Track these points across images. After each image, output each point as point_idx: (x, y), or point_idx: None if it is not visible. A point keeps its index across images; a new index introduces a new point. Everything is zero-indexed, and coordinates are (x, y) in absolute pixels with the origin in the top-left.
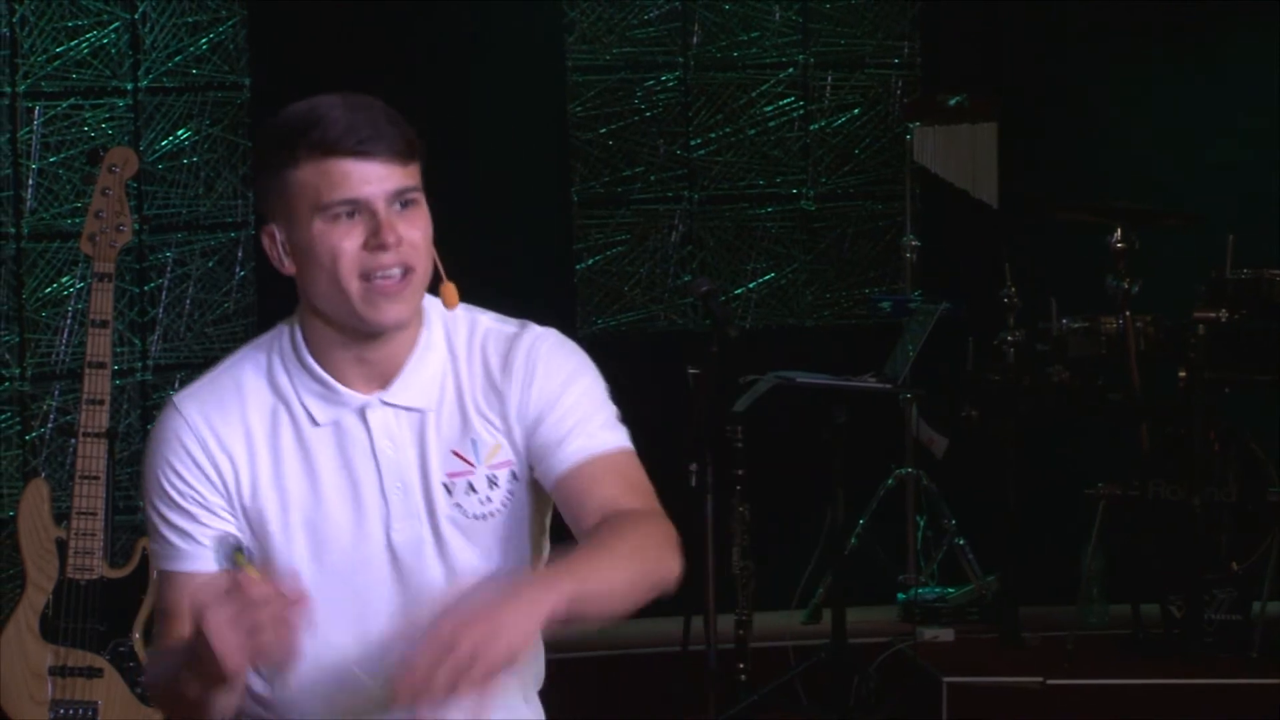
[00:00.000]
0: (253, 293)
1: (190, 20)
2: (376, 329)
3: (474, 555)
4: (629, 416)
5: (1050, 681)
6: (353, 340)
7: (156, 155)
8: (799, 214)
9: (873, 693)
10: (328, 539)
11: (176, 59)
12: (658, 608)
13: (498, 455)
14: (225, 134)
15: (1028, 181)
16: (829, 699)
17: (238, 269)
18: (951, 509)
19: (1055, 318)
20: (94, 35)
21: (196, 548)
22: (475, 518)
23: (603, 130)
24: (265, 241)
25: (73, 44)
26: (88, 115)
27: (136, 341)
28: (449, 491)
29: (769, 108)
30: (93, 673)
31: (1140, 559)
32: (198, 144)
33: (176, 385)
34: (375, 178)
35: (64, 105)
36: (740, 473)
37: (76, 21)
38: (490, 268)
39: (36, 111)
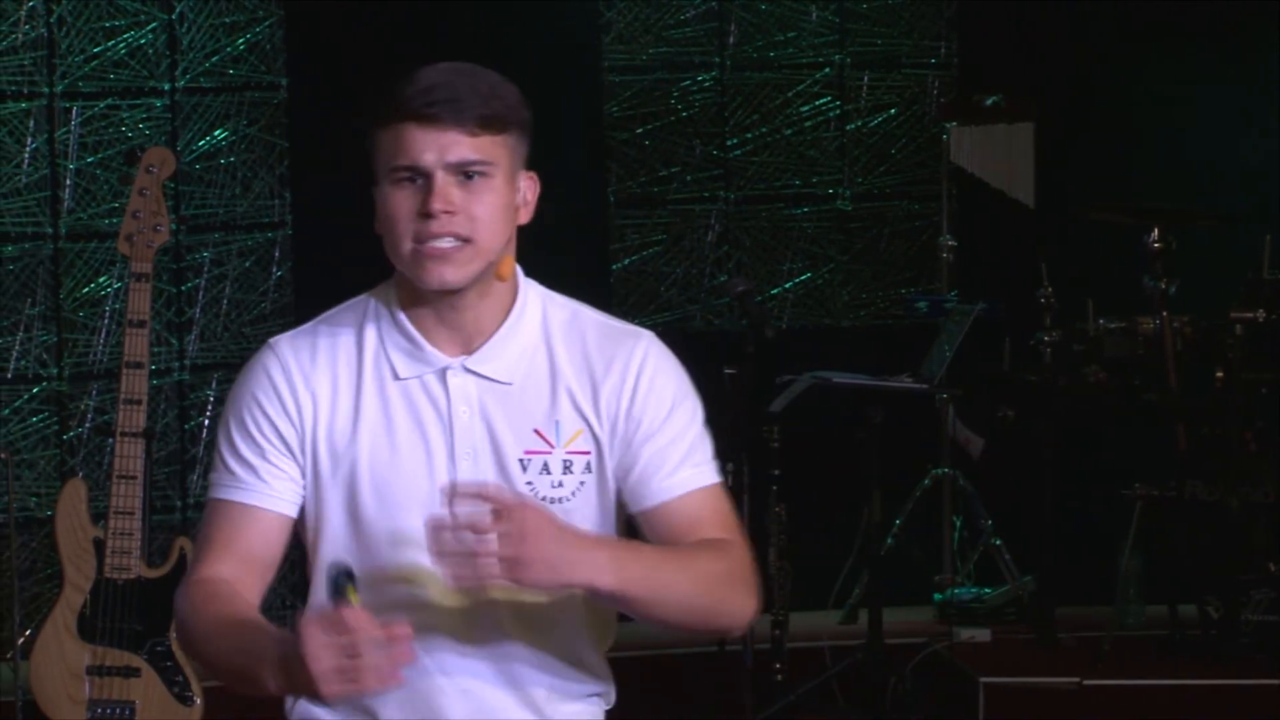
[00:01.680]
0: (290, 293)
1: (227, 20)
2: (428, 289)
3: None
4: None
5: (1087, 682)
6: (431, 301)
7: (194, 155)
8: (835, 214)
9: (909, 693)
10: (394, 493)
11: (214, 59)
12: None
13: (577, 441)
14: (262, 134)
15: (1064, 181)
16: (865, 699)
17: (275, 269)
18: (988, 509)
19: (1092, 318)
20: (131, 36)
21: (258, 482)
22: (545, 500)
23: (639, 130)
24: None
25: (110, 44)
26: (125, 115)
27: (174, 341)
28: (523, 468)
29: (805, 108)
30: (130, 672)
31: (1177, 560)
32: (235, 144)
33: (214, 386)
34: (437, 145)
35: (101, 105)
36: (776, 473)
37: (114, 22)
38: (526, 268)
39: (74, 112)
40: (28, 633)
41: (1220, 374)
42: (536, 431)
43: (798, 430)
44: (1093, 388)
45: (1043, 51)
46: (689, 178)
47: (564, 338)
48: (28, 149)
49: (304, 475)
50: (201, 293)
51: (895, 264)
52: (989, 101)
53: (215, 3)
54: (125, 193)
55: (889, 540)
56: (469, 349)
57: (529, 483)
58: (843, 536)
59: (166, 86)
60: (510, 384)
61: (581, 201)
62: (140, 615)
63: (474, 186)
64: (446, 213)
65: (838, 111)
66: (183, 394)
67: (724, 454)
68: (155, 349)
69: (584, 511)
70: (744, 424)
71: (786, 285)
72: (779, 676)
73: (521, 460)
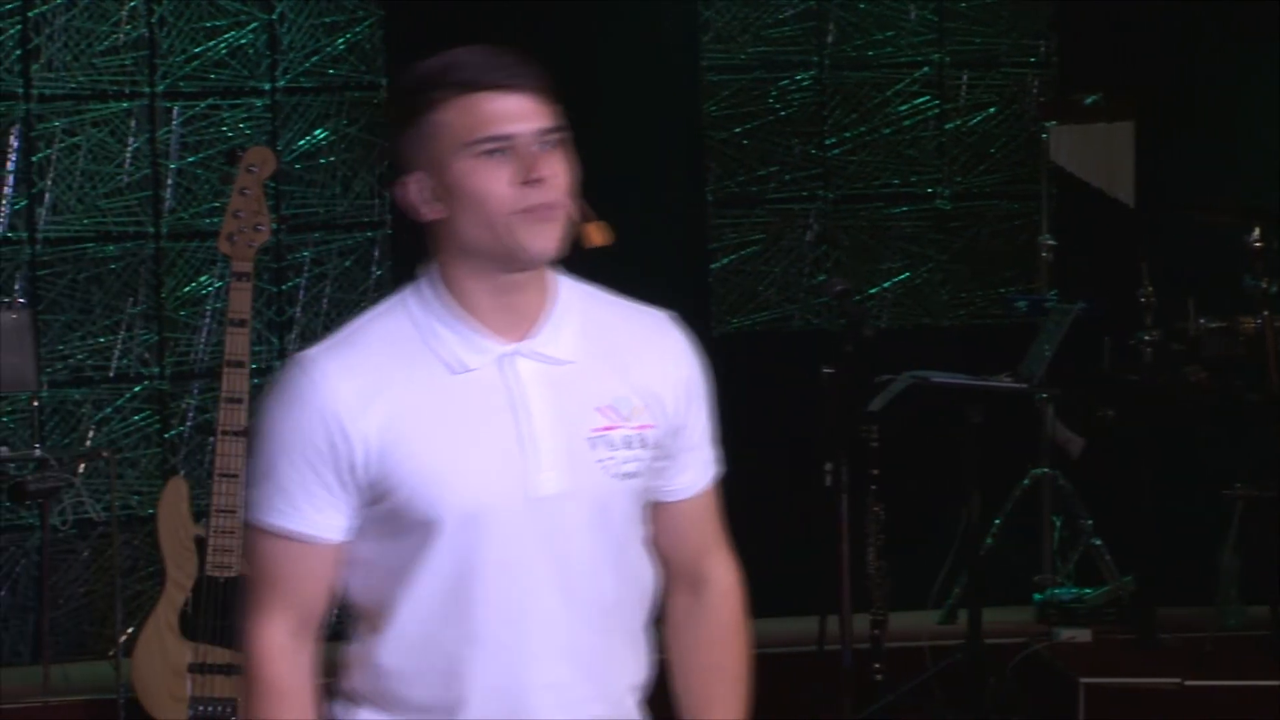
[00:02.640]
0: (389, 292)
1: (327, 20)
2: (530, 260)
3: (612, 520)
4: (764, 416)
5: (1188, 683)
6: (497, 283)
7: (294, 155)
8: (934, 213)
9: (1008, 693)
10: (465, 490)
11: (314, 59)
12: (793, 607)
13: (641, 417)
14: (362, 134)
15: (1164, 180)
16: (965, 699)
17: (374, 268)
18: (1087, 509)
19: (1192, 317)
20: (232, 36)
21: (312, 511)
22: (618, 476)
23: (737, 130)
24: (401, 193)
25: (211, 44)
26: (226, 115)
27: (274, 340)
28: (593, 446)
29: (904, 107)
30: (232, 670)
31: (1278, 560)
32: (335, 144)
33: None
34: (523, 114)
35: (202, 105)
36: (875, 472)
37: (214, 22)
38: (625, 267)
39: (175, 112)
40: (130, 630)
41: None
42: (601, 409)
43: (897, 430)
44: (1193, 387)
45: (1143, 50)
46: (787, 177)
47: (605, 318)
48: (129, 149)
49: (360, 494)
50: (302, 292)
51: (994, 263)
52: (1089, 100)
53: (315, 3)
54: (226, 192)
55: (988, 540)
56: (524, 333)
57: (600, 460)
58: (942, 536)
59: (267, 86)
60: (572, 363)
61: (680, 201)
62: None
63: (554, 155)
64: (549, 177)
65: (937, 111)
66: None
67: (823, 453)
68: (256, 348)
69: (646, 488)
70: (843, 424)
71: (885, 285)
72: (878, 676)
73: (592, 439)
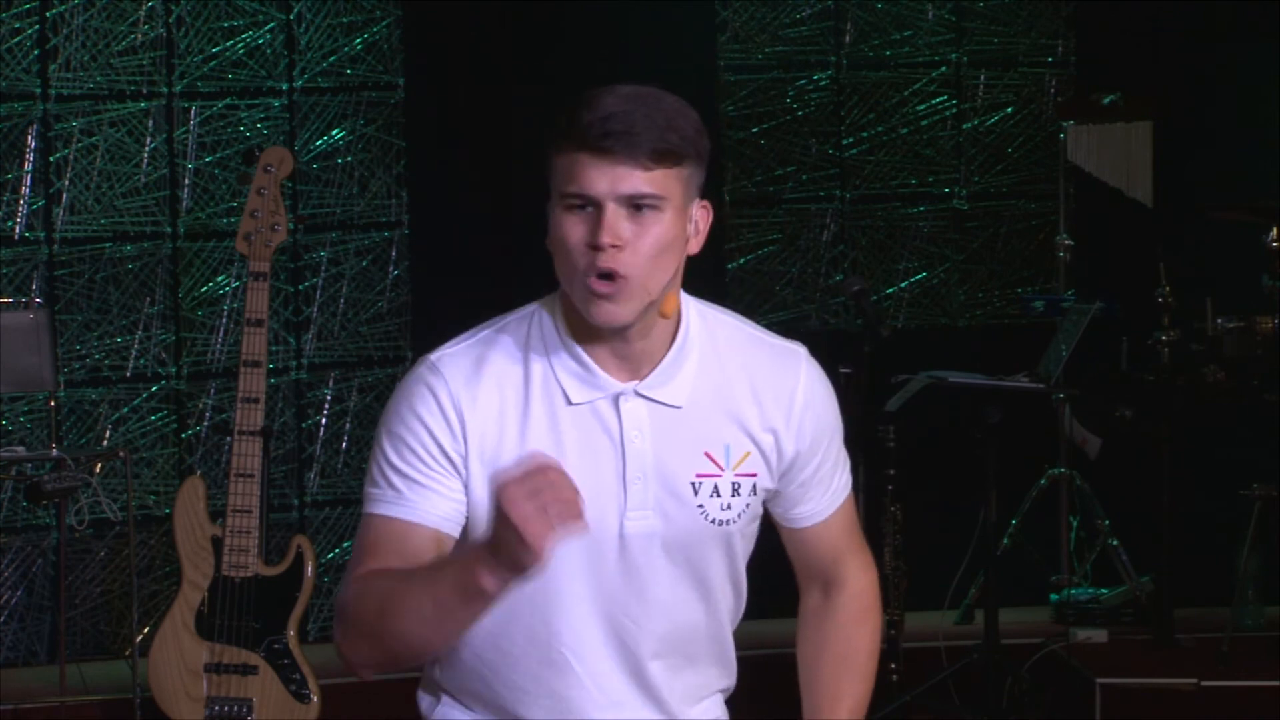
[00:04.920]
0: (406, 291)
1: (345, 21)
2: (596, 326)
3: (699, 561)
4: None
5: (1205, 683)
6: (599, 332)
7: (311, 155)
8: (951, 213)
9: (1025, 693)
10: None
11: (331, 59)
12: None
13: (746, 464)
14: (379, 134)
15: (1182, 180)
16: (981, 700)
17: (392, 268)
18: (1105, 509)
19: (1210, 317)
20: (249, 36)
21: (420, 500)
22: (713, 522)
23: (754, 130)
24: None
25: (228, 44)
26: (243, 115)
27: (291, 340)
28: (694, 491)
29: (921, 106)
30: (247, 670)
31: None
32: (352, 144)
33: (331, 385)
34: (609, 177)
35: (220, 105)
36: (892, 472)
37: (232, 22)
38: None
39: (193, 111)
40: (146, 630)
41: None
42: (707, 454)
43: (914, 430)
44: (1211, 387)
45: (1161, 50)
46: (804, 177)
47: (729, 359)
48: (147, 149)
49: (467, 495)
50: (319, 292)
51: (1012, 263)
52: (1107, 100)
53: (333, 3)
54: (243, 192)
55: (1005, 540)
56: (638, 374)
57: (700, 505)
58: (959, 536)
59: (284, 86)
60: (680, 408)
61: None
62: (258, 613)
63: (643, 219)
64: (614, 246)
65: (954, 110)
66: (300, 393)
67: None
68: (273, 348)
69: (743, 532)
70: (860, 423)
71: (902, 285)
72: (894, 676)
73: (693, 483)
